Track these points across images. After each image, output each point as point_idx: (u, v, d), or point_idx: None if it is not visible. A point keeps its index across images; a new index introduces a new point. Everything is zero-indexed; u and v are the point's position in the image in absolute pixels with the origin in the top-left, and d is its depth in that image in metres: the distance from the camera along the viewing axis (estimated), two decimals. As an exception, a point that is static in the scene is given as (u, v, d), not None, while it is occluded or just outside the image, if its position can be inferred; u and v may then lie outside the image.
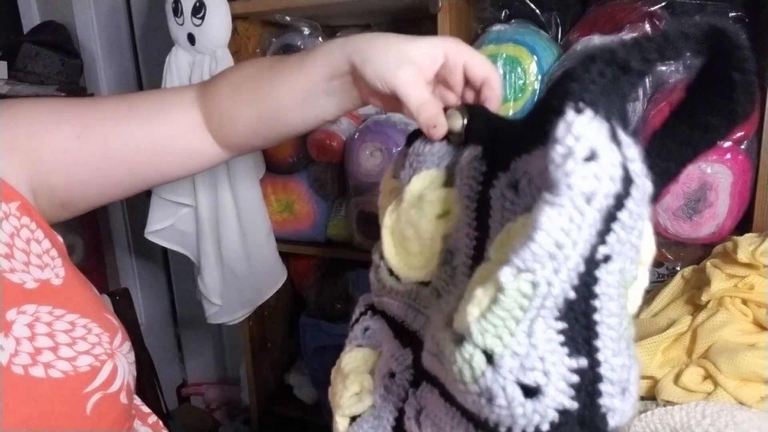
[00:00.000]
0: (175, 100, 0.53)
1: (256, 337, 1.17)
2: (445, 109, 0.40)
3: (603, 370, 0.25)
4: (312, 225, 1.06)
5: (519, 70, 0.79)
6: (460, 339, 0.26)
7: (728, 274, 0.59)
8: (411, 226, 0.38)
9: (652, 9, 0.74)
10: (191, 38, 0.94)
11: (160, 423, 0.54)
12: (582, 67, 0.24)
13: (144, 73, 1.53)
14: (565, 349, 0.24)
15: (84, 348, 0.43)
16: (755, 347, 0.54)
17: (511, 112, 0.81)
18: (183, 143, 0.53)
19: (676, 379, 0.54)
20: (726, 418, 0.50)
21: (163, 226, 1.02)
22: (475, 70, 0.42)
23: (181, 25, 0.94)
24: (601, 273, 0.25)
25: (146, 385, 0.95)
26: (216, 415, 1.65)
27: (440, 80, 0.44)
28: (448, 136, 0.39)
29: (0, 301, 0.40)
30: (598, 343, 0.25)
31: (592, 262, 0.24)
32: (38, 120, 0.47)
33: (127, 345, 0.47)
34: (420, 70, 0.41)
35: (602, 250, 0.24)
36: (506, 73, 0.79)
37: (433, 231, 0.37)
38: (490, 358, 0.24)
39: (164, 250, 1.53)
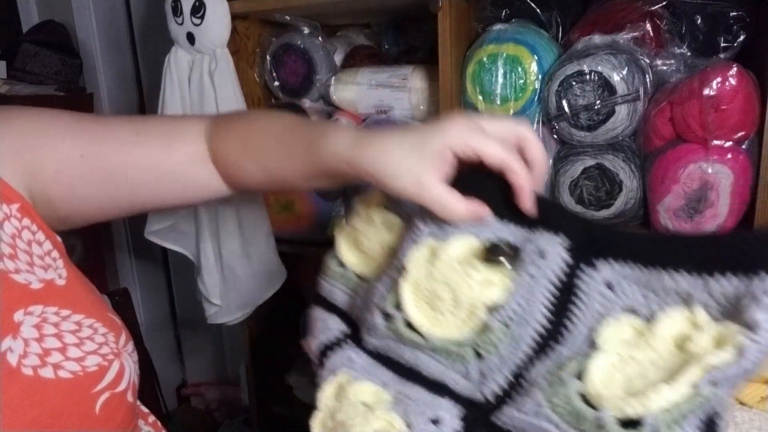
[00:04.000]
0: (183, 130, 0.54)
1: (256, 337, 1.17)
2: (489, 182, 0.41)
3: None
4: (312, 225, 1.06)
5: (519, 69, 0.79)
6: (632, 424, 0.31)
7: (729, 274, 0.59)
8: (449, 288, 0.40)
9: (652, 8, 0.74)
10: (191, 38, 0.94)
11: (159, 423, 0.54)
12: None
13: (143, 72, 1.53)
14: None
15: (91, 348, 0.43)
16: (756, 347, 0.54)
17: (511, 112, 0.81)
18: (187, 173, 0.53)
19: (677, 379, 0.54)
20: (726, 418, 0.49)
21: (163, 226, 1.02)
22: (487, 161, 0.40)
23: (181, 24, 0.94)
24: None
25: (146, 385, 0.94)
26: (216, 415, 1.65)
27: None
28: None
29: (1, 303, 0.40)
30: None
31: None
32: (45, 132, 0.47)
33: (131, 344, 0.48)
34: (438, 171, 0.41)
35: None
36: (506, 72, 0.79)
37: (476, 299, 0.39)
38: None
39: (164, 250, 1.53)
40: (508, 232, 0.42)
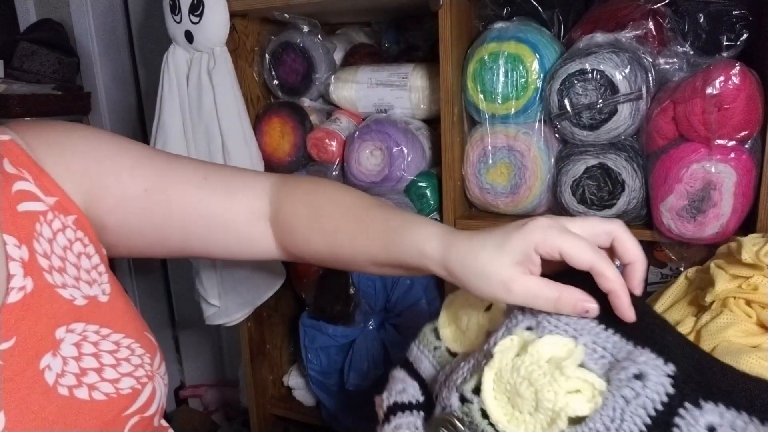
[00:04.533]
0: (248, 183, 0.53)
1: (255, 339, 1.16)
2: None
3: None
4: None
5: (521, 68, 0.78)
6: None
7: (732, 275, 0.58)
8: (532, 388, 0.37)
9: (655, 6, 0.74)
10: (189, 36, 0.93)
11: None
12: None
13: (141, 71, 1.52)
14: None
15: (127, 370, 0.43)
16: (759, 348, 0.53)
17: (512, 111, 0.80)
18: (243, 228, 0.53)
19: (681, 381, 0.54)
20: None
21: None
22: (573, 262, 0.38)
23: (179, 22, 0.93)
24: None
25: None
26: (214, 417, 1.64)
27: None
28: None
29: (45, 319, 0.39)
30: None
31: None
32: (115, 159, 0.48)
33: (164, 366, 0.48)
34: (528, 269, 0.39)
35: None
36: (508, 71, 0.79)
37: (560, 405, 0.37)
38: None
39: (162, 250, 1.52)
40: (610, 343, 0.39)
